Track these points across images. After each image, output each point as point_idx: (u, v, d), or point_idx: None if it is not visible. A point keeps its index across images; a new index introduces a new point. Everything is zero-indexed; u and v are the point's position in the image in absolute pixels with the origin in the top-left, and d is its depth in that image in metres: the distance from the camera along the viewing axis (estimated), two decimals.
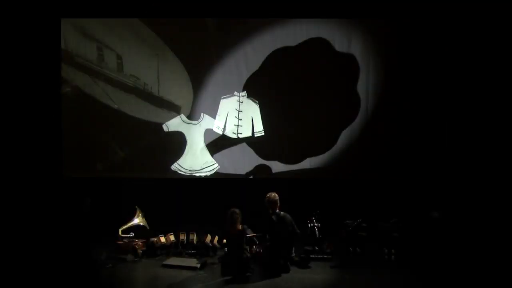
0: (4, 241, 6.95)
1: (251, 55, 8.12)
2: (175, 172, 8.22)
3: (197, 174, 8.23)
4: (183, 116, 8.20)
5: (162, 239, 7.22)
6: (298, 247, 6.76)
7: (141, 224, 7.48)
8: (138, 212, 7.51)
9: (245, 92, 8.14)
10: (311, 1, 7.75)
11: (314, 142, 8.22)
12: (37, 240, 7.01)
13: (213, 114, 8.21)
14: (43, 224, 7.36)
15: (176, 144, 8.25)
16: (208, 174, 8.23)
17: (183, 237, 7.31)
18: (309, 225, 6.92)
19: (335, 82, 8.11)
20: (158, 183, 8.11)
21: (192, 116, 8.22)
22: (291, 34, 8.08)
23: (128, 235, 7.29)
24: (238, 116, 8.14)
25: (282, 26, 8.05)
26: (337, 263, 6.67)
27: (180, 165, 8.19)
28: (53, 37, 8.04)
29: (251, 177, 8.26)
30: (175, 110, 8.23)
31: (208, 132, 8.21)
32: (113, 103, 8.25)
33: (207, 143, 8.23)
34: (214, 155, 8.25)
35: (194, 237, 7.33)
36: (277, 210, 6.55)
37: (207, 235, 7.25)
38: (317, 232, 6.84)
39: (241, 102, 8.14)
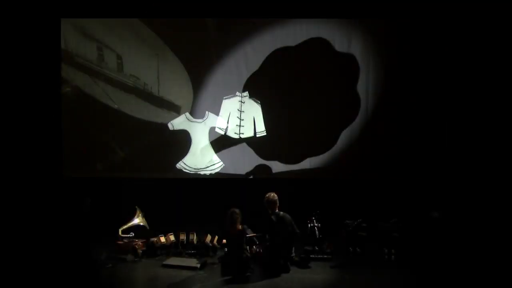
0: (4, 241, 6.95)
1: (251, 55, 8.12)
2: (175, 171, 8.21)
3: (202, 173, 8.24)
4: (188, 115, 8.20)
5: (162, 239, 7.22)
6: (298, 247, 6.76)
7: (141, 224, 7.48)
8: (138, 212, 7.51)
9: (247, 92, 8.14)
10: (311, 1, 7.75)
11: (314, 142, 8.22)
12: (37, 240, 7.00)
13: (214, 114, 8.22)
14: (43, 224, 7.35)
15: (177, 143, 8.25)
16: (213, 172, 8.23)
17: (183, 237, 7.31)
18: (309, 225, 6.92)
19: (335, 82, 8.11)
20: (158, 183, 8.11)
21: (192, 115, 8.21)
22: (291, 34, 8.08)
23: (128, 235, 7.29)
24: (240, 116, 8.15)
25: (282, 26, 8.05)
26: (337, 263, 6.67)
27: (185, 164, 8.20)
28: (53, 37, 8.04)
29: (251, 177, 8.26)
30: (175, 110, 8.23)
31: (213, 130, 8.22)
32: (113, 103, 8.25)
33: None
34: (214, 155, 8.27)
35: (194, 237, 7.33)
36: (277, 210, 6.55)
37: (207, 235, 7.25)
38: (317, 232, 6.84)
39: (243, 103, 8.15)
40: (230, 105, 8.18)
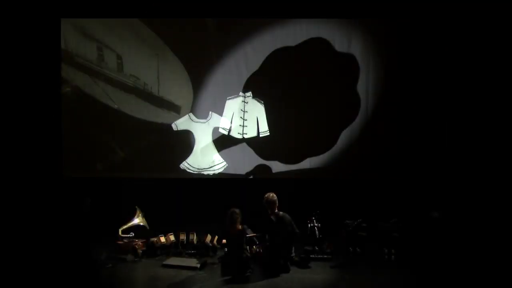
0: (4, 241, 6.95)
1: (251, 55, 8.12)
2: (179, 171, 8.20)
3: (205, 173, 8.24)
4: (191, 115, 8.20)
5: (162, 239, 7.22)
6: (298, 247, 6.76)
7: (141, 224, 7.48)
8: (138, 212, 7.51)
9: (250, 92, 8.14)
10: (311, 1, 7.75)
11: (314, 142, 8.22)
12: (37, 240, 7.00)
13: (216, 114, 8.23)
14: (43, 224, 7.35)
15: (177, 143, 8.25)
16: (216, 172, 8.24)
17: (183, 237, 7.31)
18: (309, 225, 6.92)
19: (335, 82, 8.11)
20: (158, 183, 8.10)
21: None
22: (291, 34, 8.08)
23: (128, 235, 7.29)
24: (243, 116, 8.15)
25: (282, 26, 8.05)
26: (337, 263, 6.67)
27: (189, 164, 8.20)
28: (53, 37, 8.04)
29: (251, 177, 8.26)
30: (175, 110, 8.23)
31: (216, 130, 8.22)
32: (113, 103, 8.25)
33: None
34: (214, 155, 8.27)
35: (194, 237, 7.33)
36: (276, 210, 6.55)
37: (207, 235, 7.25)
38: (317, 232, 6.84)
39: (247, 103, 8.15)
40: (233, 105, 8.18)
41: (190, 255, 7.02)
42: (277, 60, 8.10)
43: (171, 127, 8.22)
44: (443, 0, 7.57)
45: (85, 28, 8.13)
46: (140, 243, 7.17)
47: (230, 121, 8.18)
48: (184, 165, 8.22)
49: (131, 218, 7.48)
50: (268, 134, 8.15)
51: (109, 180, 8.20)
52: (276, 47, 8.10)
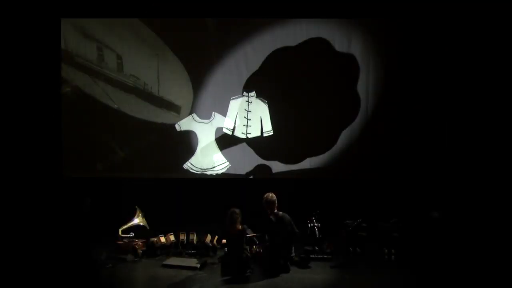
0: (4, 241, 6.95)
1: (251, 55, 8.12)
2: (182, 171, 8.20)
3: (208, 173, 8.24)
4: (195, 116, 8.20)
5: (162, 239, 7.22)
6: (298, 247, 6.76)
7: (141, 224, 7.48)
8: (138, 212, 7.51)
9: (254, 92, 8.14)
10: (311, 1, 7.75)
11: (314, 142, 8.22)
12: (37, 240, 7.00)
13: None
14: (43, 224, 7.35)
15: (178, 143, 8.25)
16: (219, 172, 8.24)
17: (183, 237, 7.32)
18: (309, 225, 6.92)
19: (335, 82, 8.11)
20: (158, 183, 8.11)
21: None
22: (291, 34, 8.08)
23: (128, 235, 7.29)
24: (247, 116, 8.15)
25: (282, 26, 8.05)
26: (337, 263, 6.67)
27: (192, 164, 8.21)
28: (53, 37, 8.04)
29: (251, 177, 8.26)
30: (175, 110, 8.23)
31: (219, 131, 8.22)
32: (113, 103, 8.25)
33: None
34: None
35: (194, 237, 7.33)
36: (276, 210, 6.55)
37: (207, 235, 7.25)
38: (317, 232, 6.84)
39: (250, 102, 8.15)
40: (237, 105, 8.18)
41: (190, 255, 7.02)
42: (277, 60, 8.10)
43: (171, 127, 8.22)
44: (443, 0, 7.57)
45: (85, 28, 8.13)
46: (140, 243, 7.17)
47: (234, 121, 8.18)
48: (187, 165, 8.23)
49: (131, 218, 7.48)
50: (272, 133, 8.15)
51: (109, 180, 8.20)
52: (276, 47, 8.10)
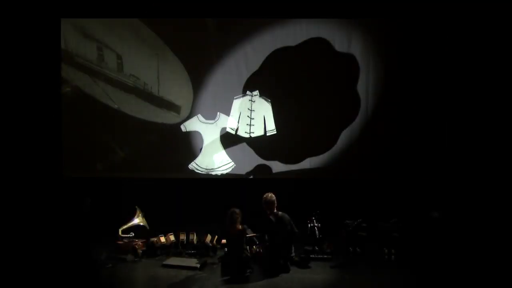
0: (4, 241, 6.95)
1: (251, 55, 8.12)
2: (183, 172, 8.20)
3: (213, 173, 8.24)
4: (200, 116, 8.20)
5: (162, 239, 7.23)
6: (298, 247, 6.76)
7: (141, 224, 7.48)
8: (138, 212, 7.52)
9: (257, 91, 8.14)
10: (311, 1, 7.75)
11: (314, 142, 8.22)
12: (37, 240, 7.00)
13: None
14: (43, 224, 7.35)
15: (178, 143, 8.25)
16: (224, 172, 8.24)
17: (183, 237, 7.32)
18: (309, 225, 6.92)
19: (335, 82, 8.11)
20: (158, 183, 8.10)
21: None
22: (291, 34, 8.08)
23: (128, 235, 7.29)
24: (251, 115, 8.15)
25: (282, 26, 8.05)
26: (337, 263, 6.67)
27: (197, 164, 8.21)
28: (53, 37, 8.04)
29: (251, 177, 8.27)
30: (175, 110, 8.23)
31: (224, 131, 8.22)
32: (113, 103, 8.25)
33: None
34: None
35: (194, 237, 7.34)
36: (275, 210, 6.55)
37: (207, 235, 7.25)
38: (317, 232, 6.83)
39: (254, 102, 8.15)
40: (240, 104, 8.18)
41: (190, 255, 7.02)
42: (277, 60, 8.10)
43: (171, 127, 8.23)
44: (443, 0, 7.57)
45: (85, 28, 8.13)
46: (140, 243, 7.17)
47: (238, 120, 8.18)
48: (192, 165, 8.23)
49: (131, 218, 7.48)
50: (275, 132, 8.14)
51: (109, 180, 8.20)
52: (276, 47, 8.10)
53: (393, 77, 8.07)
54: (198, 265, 6.51)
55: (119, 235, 7.28)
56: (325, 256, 6.83)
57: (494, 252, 6.64)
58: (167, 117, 8.24)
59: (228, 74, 8.15)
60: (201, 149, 8.24)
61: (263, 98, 8.15)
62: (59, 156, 8.16)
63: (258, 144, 8.22)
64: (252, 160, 8.26)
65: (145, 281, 6.39)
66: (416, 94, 8.01)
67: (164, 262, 6.70)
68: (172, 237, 7.28)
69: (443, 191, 7.78)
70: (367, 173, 8.12)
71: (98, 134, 8.28)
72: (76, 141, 8.24)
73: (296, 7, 7.78)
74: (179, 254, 7.06)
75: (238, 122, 8.19)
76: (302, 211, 6.95)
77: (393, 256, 6.84)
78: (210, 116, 8.22)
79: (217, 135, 8.23)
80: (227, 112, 8.20)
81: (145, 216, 7.53)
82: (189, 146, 8.26)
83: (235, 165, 8.24)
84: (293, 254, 6.60)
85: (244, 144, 8.24)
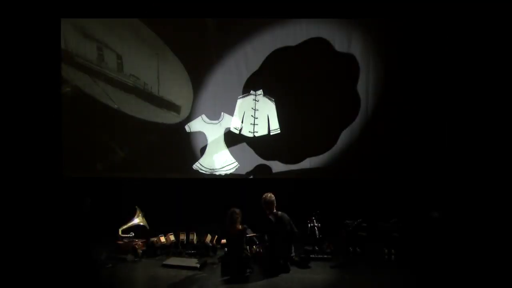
0: (4, 241, 6.95)
1: (251, 55, 8.12)
2: (191, 172, 8.20)
3: (217, 173, 8.24)
4: (204, 117, 8.20)
5: (162, 239, 7.23)
6: (298, 247, 6.76)
7: (141, 224, 7.48)
8: (138, 212, 7.52)
9: (261, 90, 8.14)
10: (311, 1, 7.75)
11: (314, 142, 8.22)
12: (37, 240, 7.00)
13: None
14: (43, 224, 7.35)
15: (178, 143, 8.25)
16: (228, 172, 8.24)
17: (183, 237, 7.32)
18: (309, 225, 6.92)
19: (335, 82, 8.11)
20: (158, 183, 8.11)
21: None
22: (291, 34, 8.08)
23: (128, 235, 7.29)
24: (254, 114, 8.14)
25: (282, 26, 8.05)
26: (337, 263, 6.67)
27: (201, 165, 8.21)
28: (53, 37, 8.04)
29: (251, 177, 8.27)
30: (175, 110, 8.23)
31: (228, 131, 8.23)
32: (113, 103, 8.25)
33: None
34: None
35: (194, 237, 7.34)
36: (274, 210, 6.55)
37: (207, 235, 7.26)
38: (317, 232, 6.84)
39: (257, 101, 8.15)
40: (244, 104, 8.18)
41: (190, 255, 7.02)
42: (277, 60, 8.10)
43: (171, 127, 8.23)
44: (443, 0, 7.57)
45: (85, 28, 8.13)
46: (140, 243, 7.17)
47: (241, 120, 8.18)
48: (196, 165, 8.23)
49: (131, 218, 7.48)
50: (279, 131, 8.14)
51: (109, 180, 8.20)
52: (276, 47, 8.10)
53: (393, 77, 8.07)
54: (198, 265, 6.51)
55: (119, 235, 7.29)
56: (325, 256, 6.84)
57: (494, 252, 6.64)
58: (167, 117, 8.24)
59: (228, 74, 8.15)
60: (204, 149, 8.24)
61: (267, 98, 8.15)
62: (59, 156, 8.16)
63: (258, 144, 8.22)
64: (252, 160, 8.26)
65: (145, 281, 6.39)
66: (416, 94, 8.01)
67: (164, 262, 6.69)
68: (172, 237, 7.28)
69: (443, 191, 7.78)
70: (367, 173, 8.12)
71: (98, 134, 8.29)
72: (76, 141, 8.24)
73: (296, 7, 7.79)
74: (179, 254, 7.06)
75: (242, 122, 8.19)
76: (302, 211, 6.95)
77: (393, 256, 6.84)
78: (214, 116, 8.22)
79: (221, 136, 8.23)
80: (230, 112, 8.20)
81: (145, 216, 7.53)
82: (189, 146, 8.25)
83: (239, 165, 8.24)
84: (293, 254, 6.60)
85: (244, 144, 8.24)
